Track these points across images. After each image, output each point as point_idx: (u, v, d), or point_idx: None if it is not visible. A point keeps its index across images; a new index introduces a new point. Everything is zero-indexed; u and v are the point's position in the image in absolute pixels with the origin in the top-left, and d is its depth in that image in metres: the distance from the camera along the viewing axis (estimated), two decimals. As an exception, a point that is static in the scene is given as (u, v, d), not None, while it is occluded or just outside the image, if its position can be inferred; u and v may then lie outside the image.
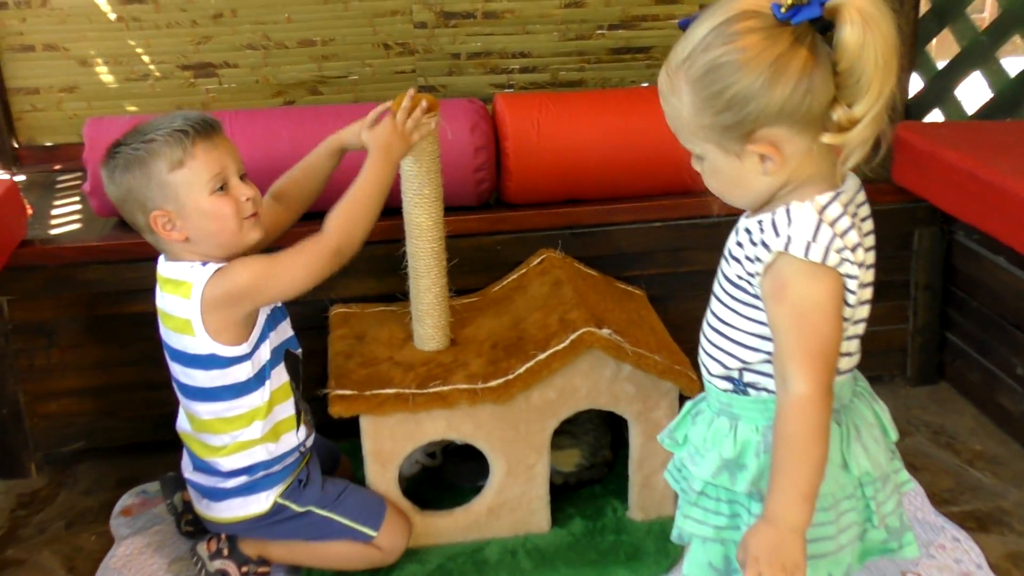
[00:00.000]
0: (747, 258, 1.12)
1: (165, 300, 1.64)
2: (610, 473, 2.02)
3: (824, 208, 1.08)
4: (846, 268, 1.07)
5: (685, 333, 1.99)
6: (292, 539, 1.73)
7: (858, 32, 1.00)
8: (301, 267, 1.58)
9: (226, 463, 1.67)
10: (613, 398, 1.79)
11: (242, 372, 1.62)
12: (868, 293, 1.17)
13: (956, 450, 2.16)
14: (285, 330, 1.72)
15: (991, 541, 1.86)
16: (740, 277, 1.15)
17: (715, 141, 1.09)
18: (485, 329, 1.94)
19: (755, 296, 1.14)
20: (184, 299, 1.58)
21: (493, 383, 1.74)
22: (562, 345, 1.73)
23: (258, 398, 1.64)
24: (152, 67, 2.47)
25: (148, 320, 2.02)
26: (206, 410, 1.66)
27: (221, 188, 1.55)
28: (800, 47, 1.02)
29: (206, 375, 1.63)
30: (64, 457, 2.19)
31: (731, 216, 2.22)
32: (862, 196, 1.17)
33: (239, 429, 1.65)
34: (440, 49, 2.54)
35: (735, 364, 1.19)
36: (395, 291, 2.09)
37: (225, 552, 1.72)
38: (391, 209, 2.06)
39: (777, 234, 1.08)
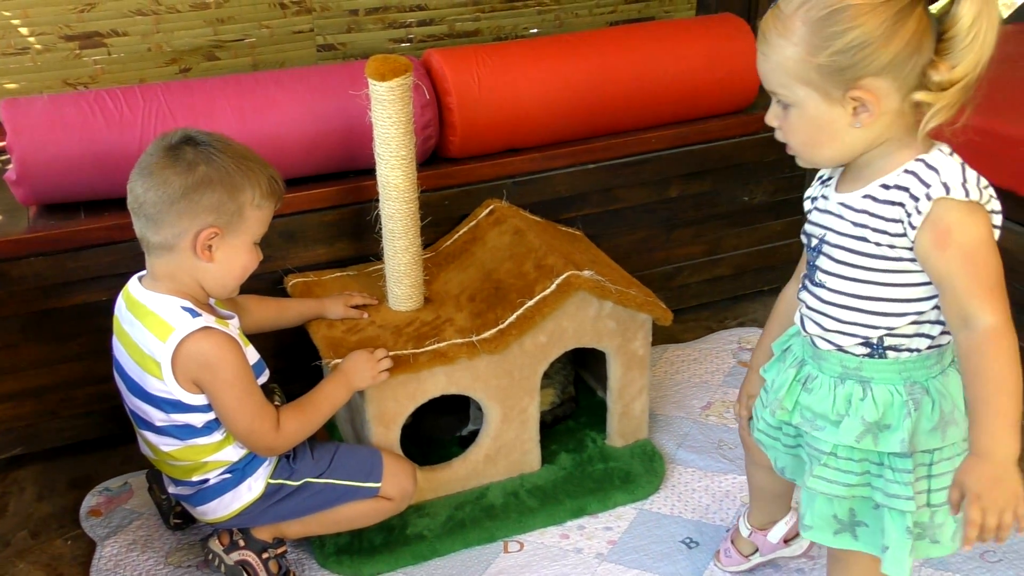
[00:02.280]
0: (892, 220, 1.17)
1: (135, 329, 1.57)
2: (577, 408, 2.12)
3: (951, 154, 1.17)
4: (993, 204, 1.16)
5: (621, 265, 2.11)
6: (301, 515, 1.71)
7: (975, 7, 1.10)
8: (247, 422, 1.58)
9: (202, 477, 1.64)
10: (596, 335, 1.88)
11: (197, 420, 1.59)
12: None
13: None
14: (260, 379, 1.67)
15: None
16: (879, 245, 1.19)
17: (818, 85, 1.15)
18: (454, 283, 1.98)
19: (898, 259, 1.19)
20: (159, 341, 1.53)
21: (487, 334, 1.79)
22: (548, 290, 1.80)
23: (218, 435, 1.62)
24: (31, 39, 2.28)
25: (91, 311, 1.95)
26: (163, 443, 1.62)
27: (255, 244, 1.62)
28: (917, 6, 1.12)
29: (160, 415, 1.59)
30: (1, 465, 2.06)
31: (660, 151, 2.33)
32: None
33: (203, 457, 1.63)
34: (337, 6, 2.48)
35: (877, 333, 1.24)
36: (345, 256, 2.09)
37: (241, 543, 1.69)
38: (335, 175, 2.06)
39: (928, 184, 1.14)
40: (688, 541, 1.81)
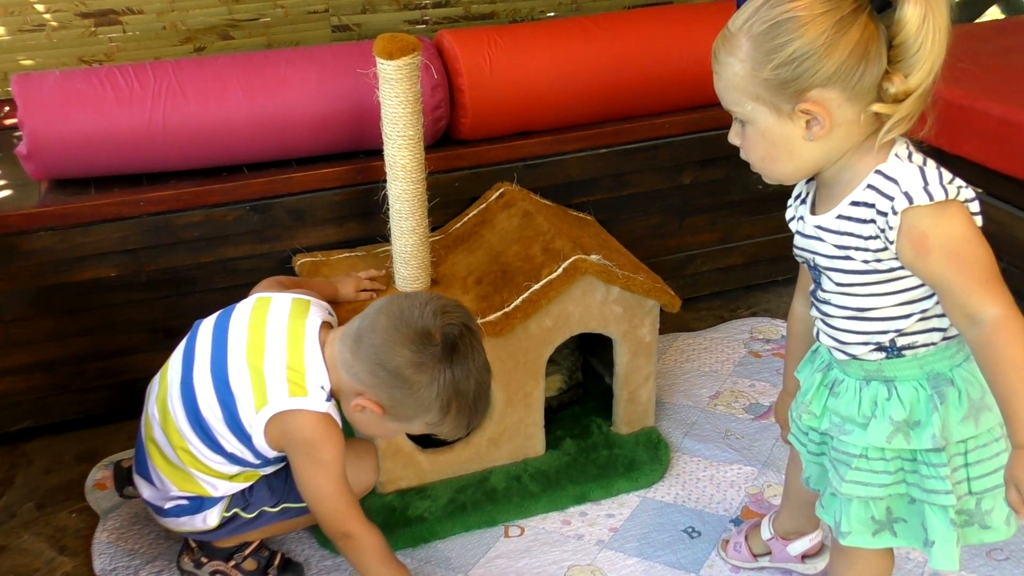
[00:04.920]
0: (869, 237, 1.16)
1: (276, 358, 1.49)
2: (584, 394, 2.11)
3: (910, 156, 1.15)
4: (964, 194, 1.13)
5: (632, 252, 2.09)
6: (257, 528, 1.66)
7: (920, 10, 1.07)
8: (329, 507, 1.51)
9: (173, 487, 1.59)
10: (603, 320, 1.87)
11: (246, 455, 1.54)
12: None
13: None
14: None
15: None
16: (867, 262, 1.18)
17: (767, 100, 1.13)
18: (462, 265, 1.97)
19: (889, 270, 1.18)
20: (283, 392, 1.47)
21: (492, 317, 1.78)
22: (555, 274, 1.79)
23: (234, 468, 1.57)
24: (47, 16, 2.29)
25: (101, 286, 1.97)
26: (192, 439, 1.54)
27: None
28: (861, 14, 1.09)
29: (220, 426, 1.51)
30: (10, 438, 2.07)
31: (674, 136, 2.31)
32: None
33: (203, 474, 1.57)
34: (353, -14, 2.49)
35: (888, 337, 1.23)
36: (354, 236, 2.09)
37: (204, 559, 1.68)
38: (345, 154, 2.06)
39: (891, 197, 1.12)
40: (690, 530, 1.79)
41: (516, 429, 1.89)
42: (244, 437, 1.51)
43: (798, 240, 1.29)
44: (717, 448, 2.00)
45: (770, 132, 1.16)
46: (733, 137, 1.22)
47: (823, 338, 1.31)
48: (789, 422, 1.45)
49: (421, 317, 1.43)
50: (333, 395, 1.50)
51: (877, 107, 1.12)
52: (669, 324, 2.39)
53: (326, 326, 1.55)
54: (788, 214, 1.33)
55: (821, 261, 1.25)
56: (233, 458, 1.55)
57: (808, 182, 1.29)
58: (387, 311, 1.46)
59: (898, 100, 1.11)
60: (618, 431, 2.00)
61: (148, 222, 1.93)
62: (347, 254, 2.04)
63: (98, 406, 2.08)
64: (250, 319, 1.55)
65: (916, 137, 1.17)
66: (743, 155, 1.23)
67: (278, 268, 2.03)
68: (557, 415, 2.04)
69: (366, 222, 2.06)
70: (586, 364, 2.17)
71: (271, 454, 1.54)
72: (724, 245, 2.47)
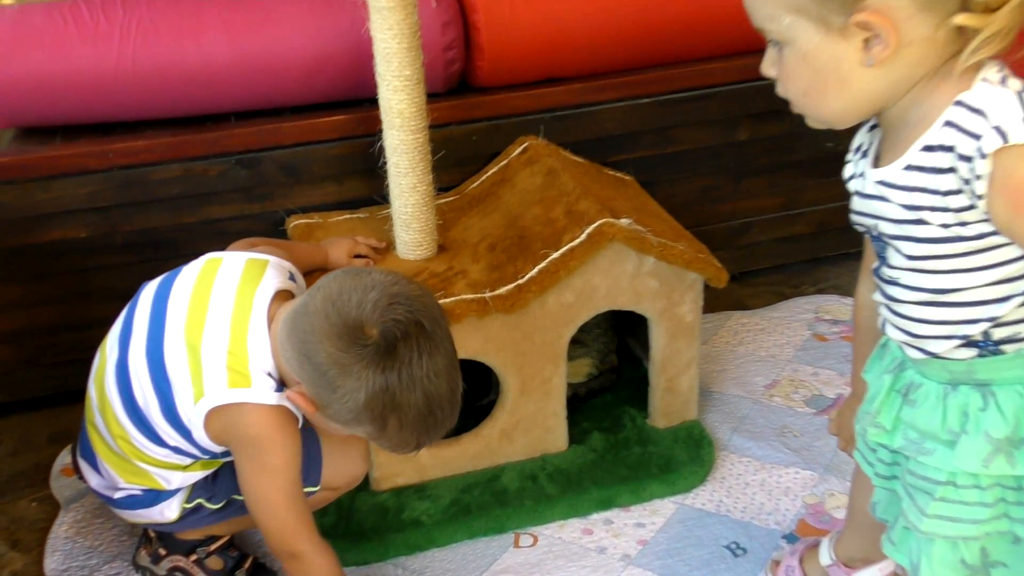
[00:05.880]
0: (949, 192, 0.89)
1: (217, 337, 1.24)
2: (618, 380, 1.84)
3: (1003, 80, 0.86)
4: None
5: (677, 218, 1.80)
6: (226, 520, 1.44)
7: None
8: (275, 521, 1.26)
9: (120, 479, 1.37)
10: (635, 296, 1.59)
11: (192, 450, 1.31)
12: None
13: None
14: None
15: None
16: (946, 226, 0.91)
17: (811, 11, 0.87)
18: (475, 230, 1.71)
19: (978, 236, 0.90)
20: (222, 382, 1.22)
21: (502, 290, 1.51)
22: (578, 241, 1.52)
23: (186, 459, 1.35)
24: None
25: (70, 248, 1.76)
26: (131, 430, 1.32)
27: None
28: None
29: (158, 418, 1.28)
30: (-24, 416, 1.89)
31: (727, 84, 2.02)
32: None
33: (151, 466, 1.34)
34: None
35: (980, 328, 0.96)
36: (357, 196, 1.84)
37: (163, 552, 1.46)
38: (348, 102, 1.81)
39: (978, 136, 0.85)
40: (733, 547, 1.52)
41: (533, 420, 1.63)
42: (184, 431, 1.27)
43: (856, 202, 1.00)
44: (771, 447, 1.71)
45: (815, 55, 0.89)
46: (767, 66, 0.95)
47: (891, 331, 1.02)
48: (855, 435, 1.16)
49: (359, 305, 1.13)
50: (283, 383, 1.24)
51: (961, 19, 0.84)
52: (721, 301, 2.11)
53: (283, 295, 1.28)
54: (846, 172, 1.03)
55: (886, 228, 0.96)
56: (178, 451, 1.31)
57: (871, 130, 1.00)
58: (326, 289, 1.17)
59: (991, 9, 0.83)
60: (654, 424, 1.72)
61: (119, 176, 1.70)
62: (347, 216, 1.79)
63: (72, 382, 1.85)
64: (194, 285, 1.29)
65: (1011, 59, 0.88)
66: (779, 90, 0.95)
67: (271, 230, 1.79)
68: (585, 404, 1.77)
69: (370, 179, 1.80)
70: (622, 345, 1.90)
71: (219, 449, 1.30)
72: (786, 212, 2.17)
